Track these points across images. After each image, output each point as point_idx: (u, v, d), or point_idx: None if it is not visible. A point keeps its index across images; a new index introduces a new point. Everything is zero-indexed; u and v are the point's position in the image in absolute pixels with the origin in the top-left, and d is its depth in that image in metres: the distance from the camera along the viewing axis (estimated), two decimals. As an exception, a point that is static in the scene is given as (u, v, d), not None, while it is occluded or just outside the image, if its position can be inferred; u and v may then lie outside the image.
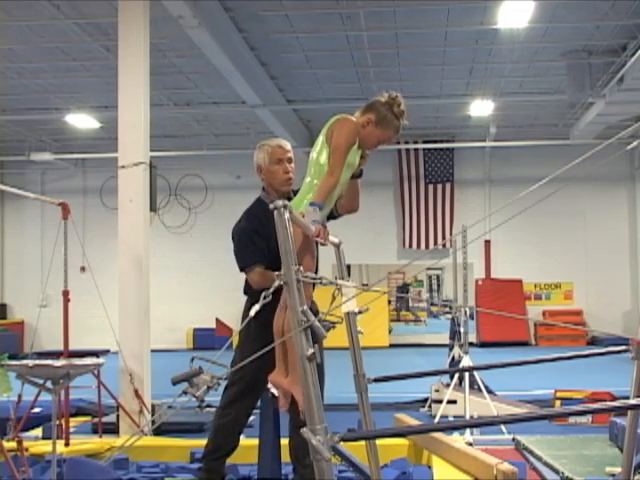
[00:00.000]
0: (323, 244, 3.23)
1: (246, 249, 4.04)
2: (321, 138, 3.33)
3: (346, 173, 3.33)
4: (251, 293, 4.07)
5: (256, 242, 3.97)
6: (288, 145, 4.14)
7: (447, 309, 16.54)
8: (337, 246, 3.47)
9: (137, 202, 7.09)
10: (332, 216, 3.87)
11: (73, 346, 6.96)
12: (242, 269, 4.07)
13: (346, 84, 13.61)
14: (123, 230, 7.11)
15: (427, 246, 17.86)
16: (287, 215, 2.33)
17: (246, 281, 4.12)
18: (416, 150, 18.15)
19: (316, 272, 3.65)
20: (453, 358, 8.26)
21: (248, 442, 4.22)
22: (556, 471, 5.23)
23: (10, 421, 5.65)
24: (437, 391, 7.75)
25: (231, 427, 4.07)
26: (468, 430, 6.53)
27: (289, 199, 3.81)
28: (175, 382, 2.42)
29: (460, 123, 16.77)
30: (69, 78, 13.08)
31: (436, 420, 7.27)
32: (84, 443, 5.83)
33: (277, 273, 2.28)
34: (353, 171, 3.39)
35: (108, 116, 13.82)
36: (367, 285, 12.60)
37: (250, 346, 3.83)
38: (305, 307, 2.24)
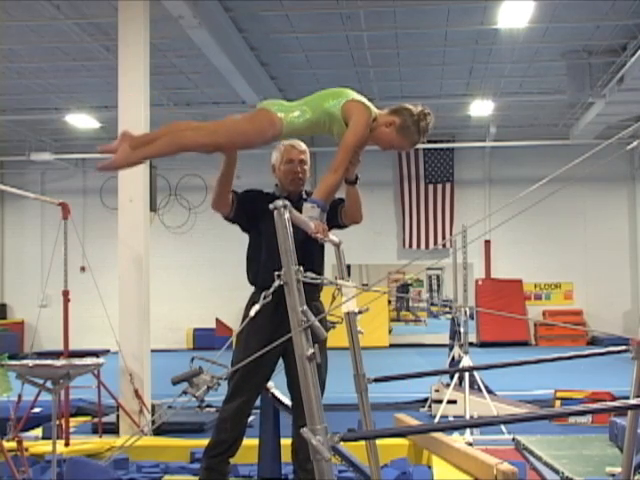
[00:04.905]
0: (322, 241, 3.18)
1: None
2: (335, 110, 3.19)
3: (311, 116, 3.19)
4: (256, 286, 4.05)
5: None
6: (302, 146, 4.07)
7: (447, 309, 16.53)
8: (337, 246, 3.46)
9: (137, 202, 7.10)
10: (338, 225, 3.89)
11: (73, 346, 6.97)
12: None
13: (346, 84, 13.48)
14: (123, 230, 7.11)
15: (427, 246, 17.84)
16: (287, 215, 2.33)
17: (249, 271, 4.06)
18: (416, 150, 18.10)
19: (315, 267, 3.65)
20: (453, 358, 8.25)
21: (248, 442, 4.20)
22: (556, 471, 5.22)
23: (10, 421, 5.65)
24: (437, 391, 7.74)
25: (230, 421, 4.01)
26: (468, 430, 6.53)
27: (301, 199, 3.82)
28: (175, 382, 2.42)
29: (460, 123, 16.75)
30: (69, 78, 13.08)
31: (436, 420, 7.27)
32: (84, 443, 5.84)
33: (277, 273, 2.28)
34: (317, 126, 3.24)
35: (108, 116, 13.82)
36: (367, 285, 12.60)
37: (244, 340, 3.87)
38: (305, 307, 2.24)
